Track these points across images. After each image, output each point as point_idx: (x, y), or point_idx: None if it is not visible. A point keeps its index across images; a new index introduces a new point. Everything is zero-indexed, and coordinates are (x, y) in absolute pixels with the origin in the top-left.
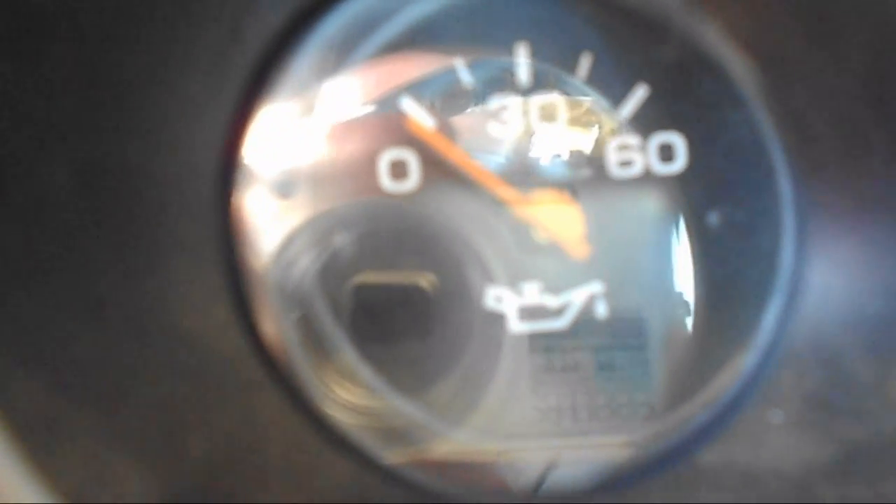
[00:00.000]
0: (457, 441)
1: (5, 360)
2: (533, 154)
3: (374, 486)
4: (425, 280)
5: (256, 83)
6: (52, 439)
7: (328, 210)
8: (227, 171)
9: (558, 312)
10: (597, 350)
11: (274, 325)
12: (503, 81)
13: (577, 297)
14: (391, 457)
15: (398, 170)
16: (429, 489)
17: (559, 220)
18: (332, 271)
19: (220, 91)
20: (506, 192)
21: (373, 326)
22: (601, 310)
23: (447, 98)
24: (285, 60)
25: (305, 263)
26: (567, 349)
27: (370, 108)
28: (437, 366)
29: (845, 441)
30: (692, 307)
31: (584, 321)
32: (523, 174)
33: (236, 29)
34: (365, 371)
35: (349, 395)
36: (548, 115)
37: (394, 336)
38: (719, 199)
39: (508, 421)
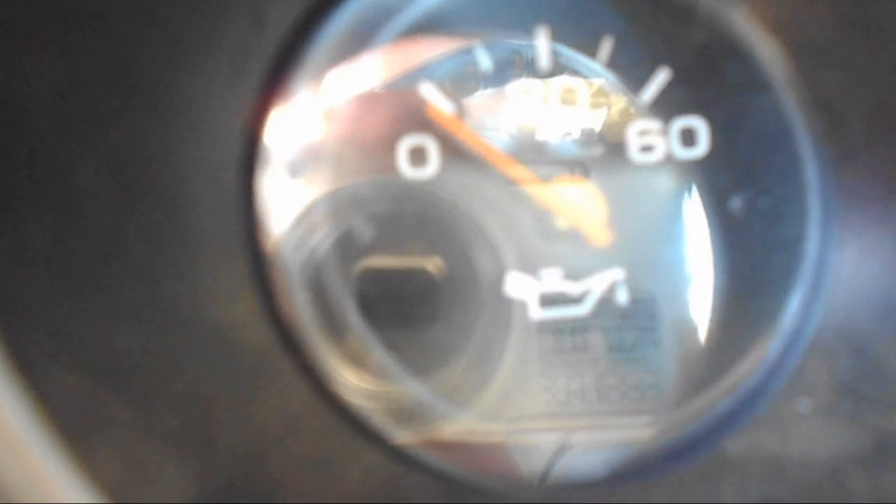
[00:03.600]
0: (465, 422)
1: (45, 356)
2: (544, 133)
3: (402, 476)
4: (432, 264)
5: (278, 70)
6: (91, 435)
7: (339, 189)
8: (249, 158)
9: (579, 299)
10: (607, 331)
11: (296, 311)
12: (514, 63)
13: (597, 284)
14: (401, 437)
15: (417, 156)
16: (453, 478)
17: (580, 207)
18: (341, 253)
19: (243, 79)
20: (519, 171)
21: (380, 309)
22: (622, 296)
23: (459, 79)
24: (306, 47)
25: (315, 243)
26: (577, 330)
27: (386, 89)
28: (446, 348)
29: (876, 431)
30: (713, 292)
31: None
32: (536, 153)
33: (259, 17)
34: (373, 353)
35: (359, 376)
36: (561, 95)
37: (401, 319)
38: (743, 184)
39: (517, 402)
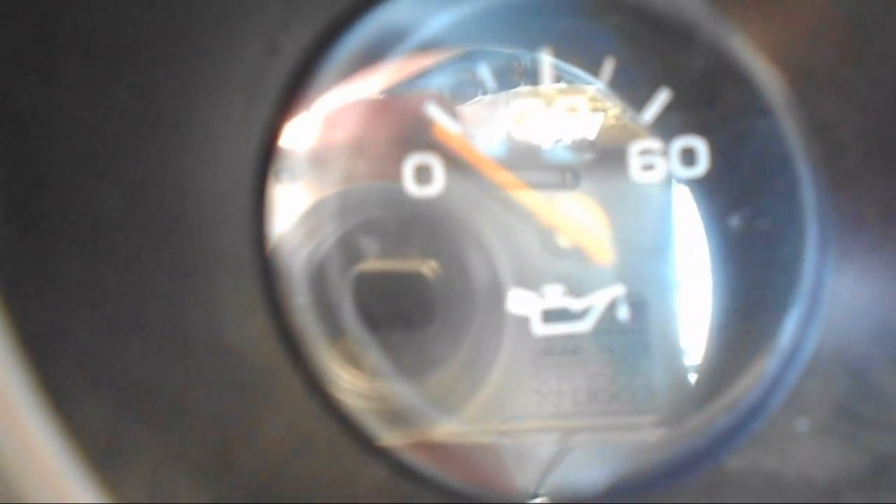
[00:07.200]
0: (459, 424)
1: (72, 381)
2: (541, 140)
3: (410, 493)
4: (428, 268)
5: (291, 95)
6: (116, 458)
7: (339, 193)
8: (262, 182)
9: (581, 315)
10: (597, 334)
11: (298, 317)
12: (513, 70)
13: (599, 300)
14: (395, 439)
15: (423, 174)
16: (457, 493)
17: (583, 225)
18: (339, 256)
19: (258, 105)
20: (519, 186)
21: (376, 312)
22: (622, 313)
23: (458, 87)
24: (318, 71)
25: (313, 247)
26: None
27: (387, 96)
28: (439, 351)
29: (872, 451)
30: (711, 309)
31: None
32: (532, 160)
33: (273, 44)
34: (368, 356)
35: (355, 377)
36: (558, 102)
37: (397, 322)
38: (742, 205)
39: (508, 403)
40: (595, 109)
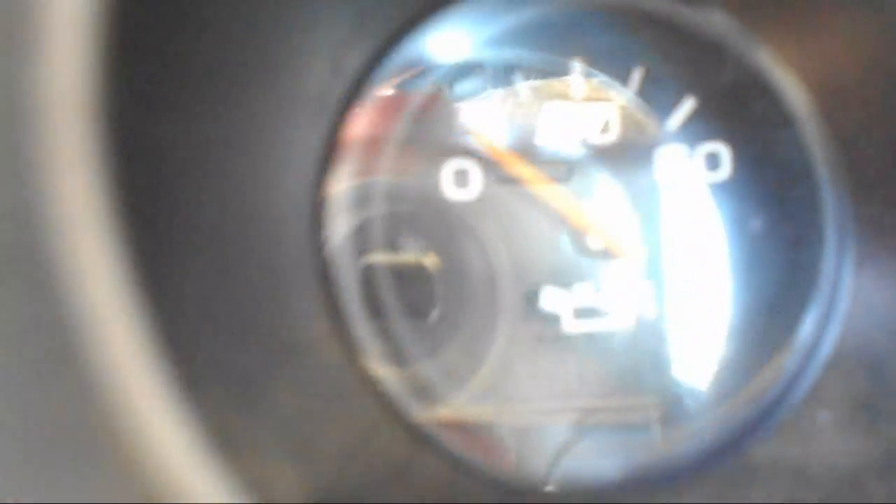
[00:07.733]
0: (454, 404)
1: (200, 381)
2: (550, 133)
3: (468, 488)
4: (430, 260)
5: (350, 109)
6: (230, 446)
7: (356, 185)
8: (322, 195)
9: (609, 313)
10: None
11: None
12: (521, 64)
13: (627, 299)
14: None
15: (461, 178)
16: (504, 483)
17: (612, 227)
18: (352, 246)
19: (321, 120)
20: (519, 169)
21: (381, 303)
22: (649, 311)
23: (469, 80)
24: (374, 84)
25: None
26: (559, 319)
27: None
28: (437, 340)
29: (891, 442)
30: (732, 306)
31: None
32: (544, 152)
33: (337, 63)
34: (374, 344)
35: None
36: (567, 93)
37: (399, 312)
38: (764, 209)
39: (502, 387)
40: (602, 98)
